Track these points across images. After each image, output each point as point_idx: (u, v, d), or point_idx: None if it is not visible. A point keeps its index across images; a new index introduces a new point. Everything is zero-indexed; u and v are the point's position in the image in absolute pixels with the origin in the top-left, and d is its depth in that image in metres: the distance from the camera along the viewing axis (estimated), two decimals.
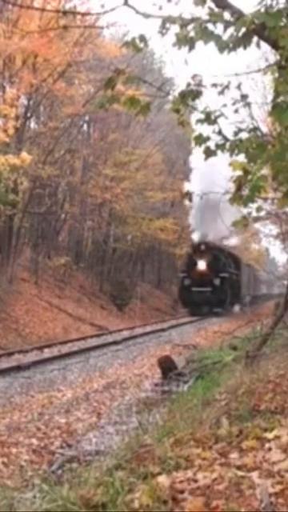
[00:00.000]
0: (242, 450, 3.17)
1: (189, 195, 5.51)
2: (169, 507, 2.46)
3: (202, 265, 30.73)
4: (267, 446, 3.20)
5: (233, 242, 37.07)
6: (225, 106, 4.76)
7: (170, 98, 4.86)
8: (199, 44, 4.20)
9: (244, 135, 4.75)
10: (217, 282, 30.29)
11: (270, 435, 3.38)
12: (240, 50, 4.17)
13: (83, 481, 3.03)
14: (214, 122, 4.75)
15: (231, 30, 4.07)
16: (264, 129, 6.06)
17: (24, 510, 2.78)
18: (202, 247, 31.10)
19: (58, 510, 2.59)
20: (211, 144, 4.81)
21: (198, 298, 29.87)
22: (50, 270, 26.98)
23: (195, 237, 32.57)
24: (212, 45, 4.14)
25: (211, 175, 19.70)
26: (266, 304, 39.06)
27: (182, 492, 2.57)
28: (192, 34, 4.15)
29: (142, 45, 4.44)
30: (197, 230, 32.10)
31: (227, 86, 4.71)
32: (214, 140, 4.80)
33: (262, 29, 3.98)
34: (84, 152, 28.52)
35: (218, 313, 29.23)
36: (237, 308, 34.08)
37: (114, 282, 31.63)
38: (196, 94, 4.61)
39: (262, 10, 3.99)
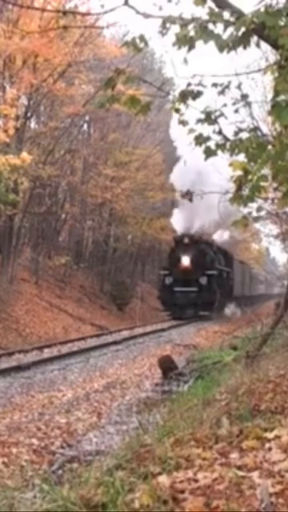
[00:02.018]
0: (243, 449, 3.17)
1: (189, 195, 5.51)
2: (169, 507, 2.46)
3: (185, 261, 26.67)
4: (267, 445, 3.20)
5: (224, 236, 33.61)
6: (225, 105, 4.77)
7: (171, 97, 4.86)
8: (199, 44, 4.20)
9: (244, 135, 4.75)
10: (203, 280, 26.39)
11: (270, 435, 3.38)
12: (240, 50, 4.17)
13: (83, 481, 3.03)
14: (214, 121, 4.76)
15: (231, 29, 4.07)
16: (264, 128, 6.06)
17: (24, 509, 2.78)
18: (186, 240, 26.98)
19: (59, 510, 2.59)
20: (211, 144, 4.82)
21: (181, 300, 26.11)
22: (51, 270, 26.99)
23: (177, 228, 28.54)
24: (212, 45, 4.15)
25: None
26: (264, 306, 36.29)
27: (182, 492, 2.57)
28: (192, 33, 4.15)
29: (142, 45, 4.44)
30: (179, 220, 28.08)
31: (227, 86, 4.72)
32: (214, 140, 4.80)
33: (261, 28, 3.98)
34: (84, 152, 28.53)
35: (204, 317, 25.63)
36: (228, 311, 30.39)
37: (115, 282, 31.59)
38: (196, 94, 4.61)
39: (262, 9, 3.99)
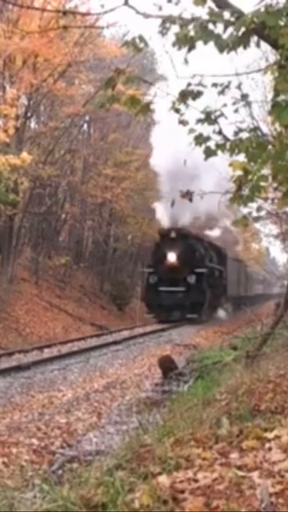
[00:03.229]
0: (243, 449, 3.18)
1: (189, 195, 5.50)
2: (169, 507, 2.46)
3: (171, 257, 23.85)
4: (267, 445, 3.20)
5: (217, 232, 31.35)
6: (225, 105, 4.77)
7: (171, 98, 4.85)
8: (199, 44, 4.20)
9: (244, 135, 4.75)
10: (191, 279, 23.76)
11: (270, 435, 3.38)
12: (240, 49, 4.17)
13: (83, 481, 3.04)
14: (214, 121, 4.76)
15: (231, 29, 4.07)
16: (264, 128, 6.07)
17: (24, 509, 2.78)
18: (173, 234, 24.10)
19: (59, 510, 2.60)
20: (211, 144, 4.82)
21: (166, 301, 23.41)
22: (51, 270, 27.00)
23: (164, 221, 25.63)
24: (212, 45, 4.14)
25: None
26: (264, 306, 34.45)
27: (182, 492, 2.57)
28: (192, 33, 4.15)
29: (142, 45, 4.44)
30: (166, 212, 24.80)
31: (227, 86, 4.72)
32: (214, 140, 4.80)
33: (261, 28, 3.98)
34: (84, 152, 28.55)
35: (193, 319, 23.10)
36: (221, 313, 27.67)
37: (115, 282, 31.59)
38: (196, 94, 4.62)
39: (262, 9, 3.99)
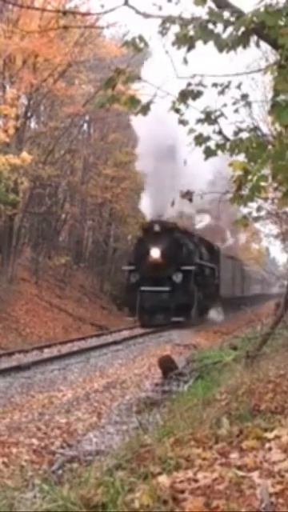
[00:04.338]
0: (243, 449, 3.18)
1: (189, 195, 5.49)
2: (169, 507, 2.46)
3: (155, 253, 21.29)
4: (267, 445, 3.20)
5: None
6: (225, 105, 4.77)
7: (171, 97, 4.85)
8: (199, 44, 4.21)
9: (244, 135, 4.76)
10: (177, 278, 21.29)
11: (270, 435, 3.38)
12: (240, 49, 4.18)
13: (83, 481, 3.04)
14: (214, 121, 4.76)
15: (231, 29, 4.08)
16: (264, 128, 6.07)
17: (24, 509, 2.78)
18: (157, 228, 21.63)
19: (59, 510, 2.60)
20: (211, 144, 4.82)
21: (149, 302, 20.88)
22: (51, 270, 26.99)
23: (146, 211, 23.42)
24: (212, 44, 4.15)
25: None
26: (264, 306, 32.49)
27: (182, 492, 2.57)
28: (192, 33, 4.15)
29: (141, 45, 4.44)
30: (148, 202, 22.73)
31: (227, 86, 4.73)
32: (214, 140, 4.81)
33: (261, 28, 3.98)
34: (84, 152, 28.55)
35: (180, 323, 20.75)
36: (214, 315, 25.58)
37: (115, 282, 31.57)
38: (196, 94, 4.62)
39: (262, 9, 3.99)
